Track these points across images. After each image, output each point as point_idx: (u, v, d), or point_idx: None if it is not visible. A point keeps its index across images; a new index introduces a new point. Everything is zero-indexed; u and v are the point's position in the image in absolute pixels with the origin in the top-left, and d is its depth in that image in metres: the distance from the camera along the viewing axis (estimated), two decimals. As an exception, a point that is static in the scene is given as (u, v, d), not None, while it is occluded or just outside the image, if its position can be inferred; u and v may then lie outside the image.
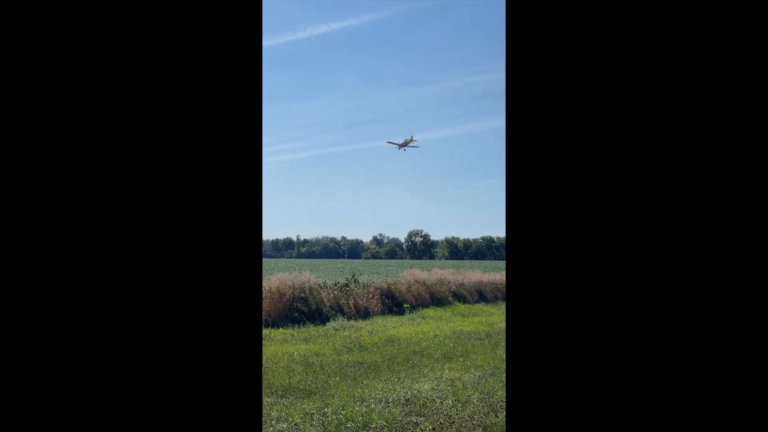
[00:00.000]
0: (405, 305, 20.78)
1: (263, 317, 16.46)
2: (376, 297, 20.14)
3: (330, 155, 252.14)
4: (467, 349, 12.42)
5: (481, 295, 24.83)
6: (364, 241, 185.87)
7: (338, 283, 20.49)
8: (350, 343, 13.34)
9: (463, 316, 19.89)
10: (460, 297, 23.69)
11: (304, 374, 9.78)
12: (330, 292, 19.12)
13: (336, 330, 15.75)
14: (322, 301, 18.40)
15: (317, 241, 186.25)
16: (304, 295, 17.90)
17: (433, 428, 6.61)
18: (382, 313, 19.59)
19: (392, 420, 6.88)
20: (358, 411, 7.23)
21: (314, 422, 6.86)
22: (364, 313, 18.99)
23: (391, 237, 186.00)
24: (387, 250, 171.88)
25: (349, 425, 6.71)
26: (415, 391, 8.30)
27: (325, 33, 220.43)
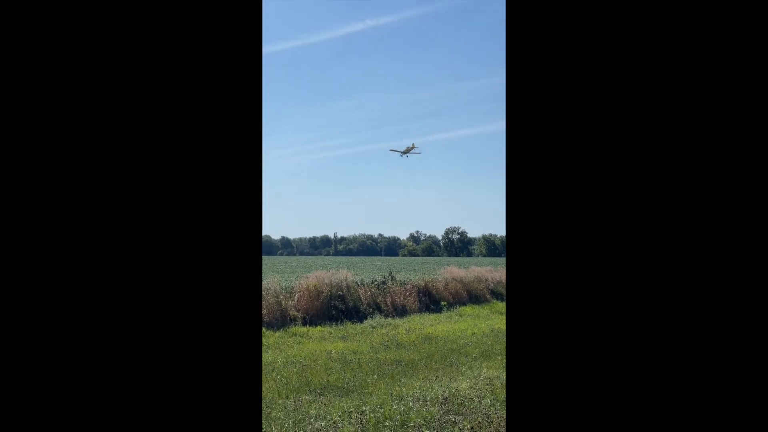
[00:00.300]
0: (442, 303, 20.72)
1: (301, 315, 16.61)
2: (413, 295, 20.12)
3: (367, 152, 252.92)
4: (505, 347, 12.28)
5: (519, 292, 24.51)
6: (401, 239, 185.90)
7: (375, 280, 20.55)
8: (388, 341, 13.36)
9: (501, 313, 19.71)
10: (498, 294, 23.49)
11: (342, 372, 9.83)
12: (367, 289, 19.18)
13: (373, 328, 15.79)
14: (360, 299, 18.46)
15: (354, 239, 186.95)
16: (341, 293, 17.99)
17: (472, 427, 6.56)
18: (420, 310, 19.56)
19: (430, 419, 6.86)
20: (396, 409, 7.23)
21: (352, 420, 6.88)
22: (401, 311, 19.00)
23: (428, 234, 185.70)
24: (424, 247, 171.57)
25: (387, 424, 6.72)
26: (453, 390, 8.26)
27: (362, 30, 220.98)
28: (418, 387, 8.59)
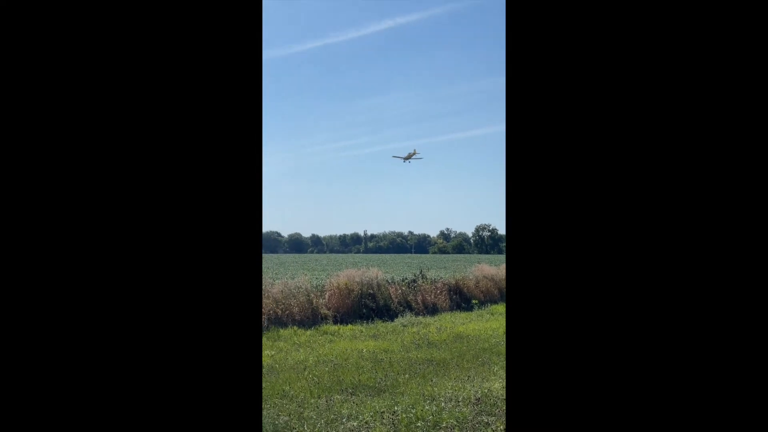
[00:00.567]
0: (473, 301, 20.58)
1: (332, 313, 16.67)
2: (444, 293, 20.03)
3: (398, 150, 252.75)
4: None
5: (551, 290, 24.26)
6: (431, 236, 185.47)
7: (406, 278, 20.50)
8: (419, 340, 13.32)
9: (534, 312, 19.48)
10: (529, 292, 23.21)
11: (374, 371, 9.82)
12: (398, 288, 19.15)
13: (404, 326, 15.76)
14: (390, 297, 18.44)
15: (384, 236, 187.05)
16: (372, 291, 17.99)
17: (505, 429, 6.49)
18: (450, 309, 19.47)
19: (463, 419, 6.80)
20: (428, 410, 7.19)
21: (384, 421, 6.86)
22: (432, 309, 18.93)
23: (458, 231, 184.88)
24: (454, 244, 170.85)
25: (419, 424, 6.68)
26: (486, 390, 8.18)
27: (391, 28, 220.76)
28: (450, 387, 8.54)
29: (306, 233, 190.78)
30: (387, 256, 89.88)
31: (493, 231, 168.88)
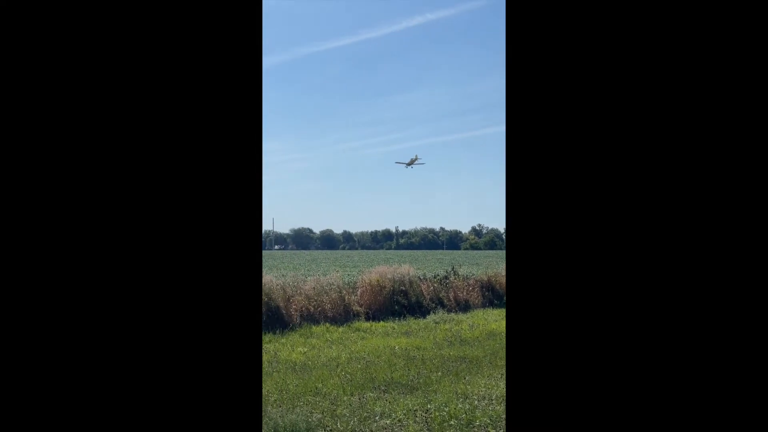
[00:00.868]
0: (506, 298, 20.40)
1: (364, 310, 16.70)
2: (476, 289, 19.91)
3: (429, 145, 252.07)
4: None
5: (586, 286, 23.93)
6: (463, 232, 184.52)
7: (438, 275, 20.42)
8: (451, 337, 13.26)
9: (568, 308, 19.25)
10: (563, 289, 22.95)
11: (406, 369, 9.80)
12: (430, 284, 19.09)
13: (436, 323, 15.71)
14: (422, 294, 18.39)
15: (416, 232, 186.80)
16: (404, 288, 17.96)
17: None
18: (483, 305, 19.34)
19: (496, 418, 6.74)
20: (461, 408, 7.15)
21: (417, 419, 6.84)
22: (464, 306, 18.83)
23: (490, 227, 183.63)
24: (486, 240, 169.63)
25: (452, 423, 6.64)
26: (520, 389, 8.09)
27: (421, 24, 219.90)
28: (483, 385, 8.47)
29: (337, 230, 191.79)
30: (418, 253, 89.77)
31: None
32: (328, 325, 15.05)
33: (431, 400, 7.59)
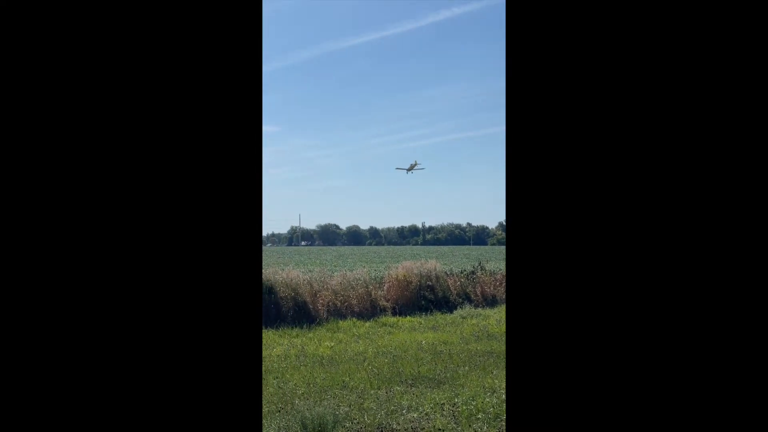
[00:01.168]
0: (534, 293, 20.25)
1: (391, 305, 16.72)
2: (503, 284, 19.78)
3: (456, 141, 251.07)
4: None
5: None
6: (490, 227, 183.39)
7: (464, 270, 20.35)
8: (478, 332, 13.21)
9: (597, 303, 19.04)
10: (592, 284, 22.71)
11: (433, 363, 9.79)
12: (456, 279, 19.03)
13: (463, 318, 15.67)
14: (449, 289, 18.35)
15: (442, 228, 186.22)
16: (430, 283, 17.94)
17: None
18: (510, 300, 19.19)
19: (524, 413, 6.69)
20: (488, 402, 7.12)
21: (444, 413, 6.84)
22: (491, 301, 18.73)
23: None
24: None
25: (479, 416, 6.62)
26: (548, 383, 8.03)
27: (448, 18, 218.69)
28: (510, 379, 8.42)
29: (364, 226, 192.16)
30: (445, 248, 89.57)
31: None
32: (354, 320, 15.11)
33: (458, 394, 7.57)
